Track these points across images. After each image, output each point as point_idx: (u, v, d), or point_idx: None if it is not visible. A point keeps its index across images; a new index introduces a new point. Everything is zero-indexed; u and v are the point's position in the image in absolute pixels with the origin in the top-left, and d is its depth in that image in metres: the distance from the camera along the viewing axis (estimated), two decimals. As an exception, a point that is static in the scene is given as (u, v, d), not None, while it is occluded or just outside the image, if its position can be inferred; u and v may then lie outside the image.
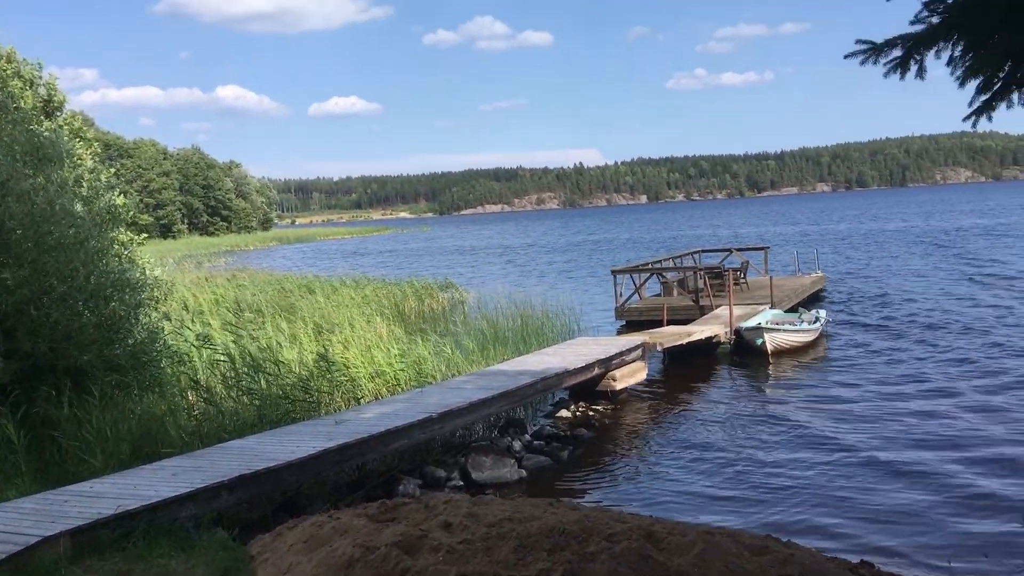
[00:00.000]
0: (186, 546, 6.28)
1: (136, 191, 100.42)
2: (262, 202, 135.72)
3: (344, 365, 12.34)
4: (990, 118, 4.36)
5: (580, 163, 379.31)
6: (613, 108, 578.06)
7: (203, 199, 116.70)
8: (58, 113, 16.57)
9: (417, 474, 9.63)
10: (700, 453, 10.37)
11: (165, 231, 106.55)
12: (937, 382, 13.21)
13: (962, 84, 4.22)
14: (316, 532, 5.67)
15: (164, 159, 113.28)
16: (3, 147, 10.29)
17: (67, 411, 9.43)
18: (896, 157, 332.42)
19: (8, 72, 14.42)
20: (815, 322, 17.76)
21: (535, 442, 10.98)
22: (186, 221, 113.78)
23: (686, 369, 15.52)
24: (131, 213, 12.74)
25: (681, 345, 15.68)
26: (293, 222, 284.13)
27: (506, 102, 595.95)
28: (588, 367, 12.64)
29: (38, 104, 15.24)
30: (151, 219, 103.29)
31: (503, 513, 5.78)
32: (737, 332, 16.77)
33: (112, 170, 14.67)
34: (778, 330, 16.45)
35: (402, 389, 12.14)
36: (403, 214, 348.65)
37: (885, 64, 4.28)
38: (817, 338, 17.32)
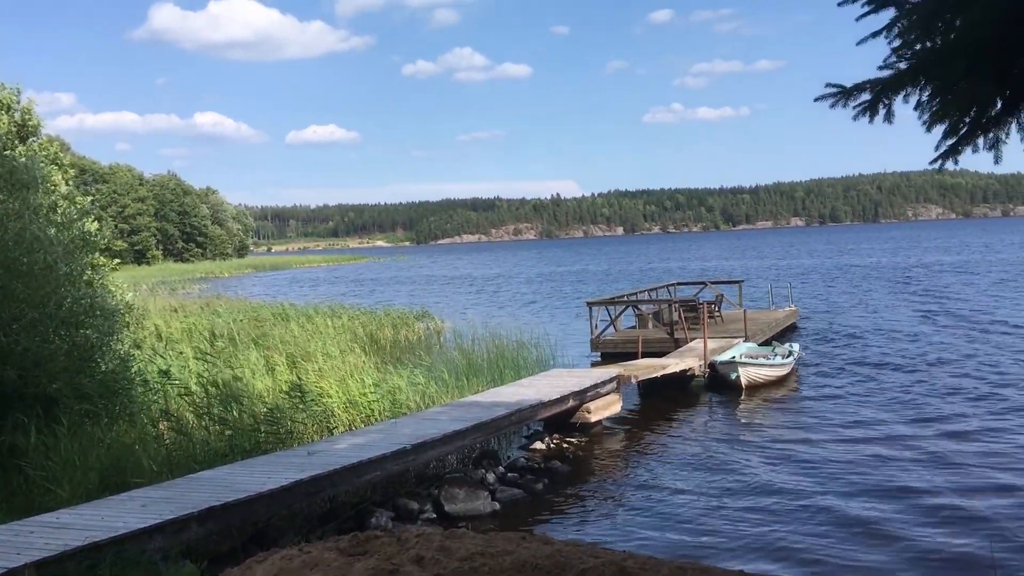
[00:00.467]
0: (154, 579, 6.19)
1: (111, 216, 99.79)
2: (238, 229, 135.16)
3: (318, 395, 12.26)
4: (956, 162, 4.46)
5: (557, 194, 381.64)
6: (591, 140, 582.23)
7: (178, 225, 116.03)
8: (33, 138, 16.48)
9: (390, 506, 9.55)
10: (673, 487, 10.37)
11: (139, 257, 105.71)
12: (904, 423, 13.26)
13: (929, 128, 4.31)
14: (286, 566, 5.60)
15: (140, 185, 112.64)
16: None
17: (35, 440, 9.28)
18: (869, 193, 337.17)
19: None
20: (788, 356, 17.90)
21: (509, 474, 10.94)
22: (161, 247, 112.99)
23: (661, 402, 15.55)
24: (105, 240, 12.65)
25: (656, 378, 15.73)
26: (269, 249, 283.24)
27: (484, 132, 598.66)
28: (563, 399, 12.64)
29: (12, 128, 15.15)
30: (125, 245, 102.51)
31: (475, 547, 5.74)
32: (711, 366, 16.86)
33: (89, 198, 14.58)
34: (752, 364, 16.55)
35: (376, 420, 12.08)
36: (380, 243, 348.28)
37: (854, 107, 4.37)
38: (790, 372, 17.44)
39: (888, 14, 4.26)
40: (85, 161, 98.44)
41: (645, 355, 18.16)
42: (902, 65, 4.22)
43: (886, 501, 9.38)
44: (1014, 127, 4.24)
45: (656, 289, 26.78)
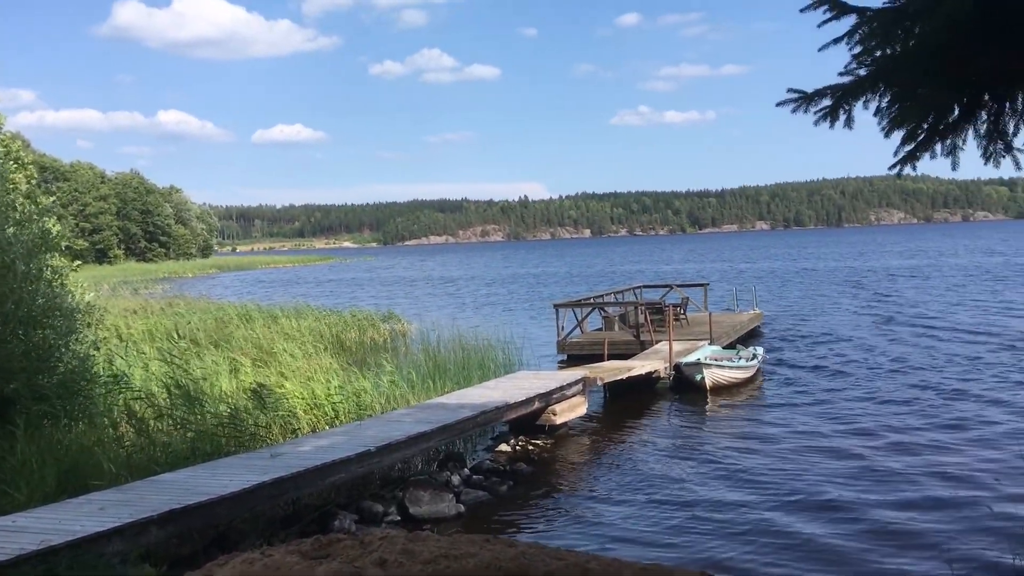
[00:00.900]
0: (111, 583, 6.10)
1: (72, 215, 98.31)
2: (202, 229, 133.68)
3: (282, 397, 12.16)
4: (914, 167, 4.53)
5: (525, 196, 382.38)
6: (558, 143, 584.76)
7: (141, 224, 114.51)
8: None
9: (354, 509, 9.49)
10: (638, 489, 10.42)
11: (101, 256, 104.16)
12: (864, 421, 13.46)
13: (888, 134, 4.38)
14: (247, 569, 5.54)
15: (101, 183, 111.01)
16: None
17: (-10, 442, 9.11)
18: (832, 198, 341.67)
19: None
20: (753, 359, 18.06)
21: (474, 476, 10.92)
22: (123, 246, 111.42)
23: (626, 404, 15.62)
24: (65, 239, 12.45)
25: (621, 380, 15.79)
26: (234, 249, 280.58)
27: (452, 134, 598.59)
28: (528, 401, 12.64)
29: (-29, 125, 14.84)
30: (86, 244, 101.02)
31: (439, 550, 5.71)
32: (677, 368, 16.96)
33: (51, 198, 14.33)
34: (717, 366, 16.68)
35: (341, 422, 12.00)
36: (347, 243, 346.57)
37: (815, 113, 4.42)
38: (754, 375, 17.60)
39: (849, 21, 4.32)
40: (46, 159, 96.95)
41: (611, 357, 18.22)
42: (862, 71, 4.28)
43: (844, 499, 9.49)
44: (971, 134, 4.32)
45: (622, 292, 26.89)
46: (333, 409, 12.30)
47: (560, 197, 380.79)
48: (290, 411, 11.94)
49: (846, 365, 18.92)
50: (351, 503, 9.63)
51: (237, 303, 31.67)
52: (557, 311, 21.62)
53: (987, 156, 4.38)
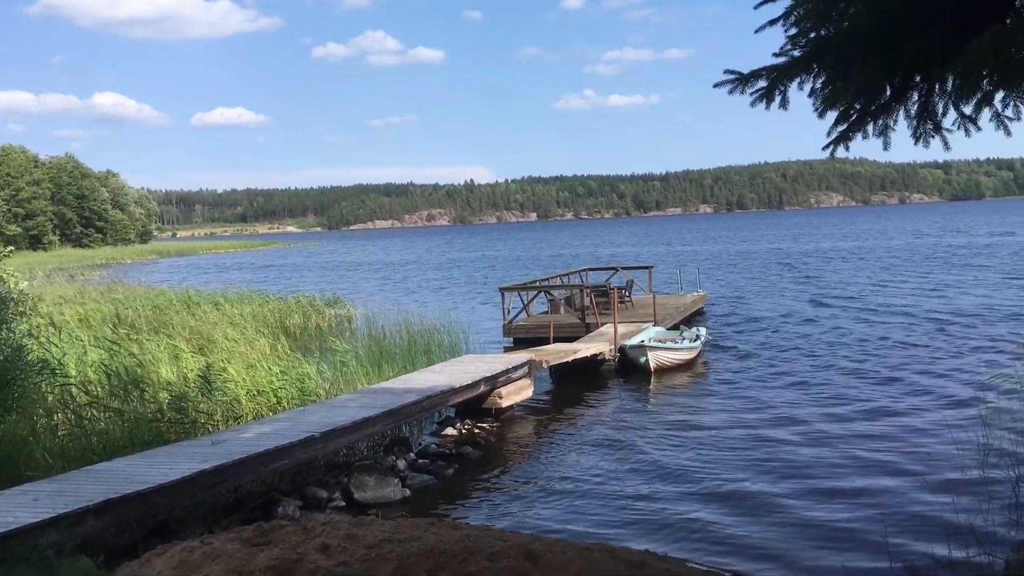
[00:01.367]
0: (47, 575, 5.95)
1: (3, 200, 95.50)
2: (141, 214, 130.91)
3: (224, 383, 11.97)
4: (847, 147, 4.60)
5: (471, 180, 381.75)
6: (504, 126, 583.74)
7: (77, 210, 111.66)
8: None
9: (298, 495, 9.41)
10: (582, 470, 10.50)
11: (35, 242, 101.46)
12: (801, 404, 13.64)
13: (821, 115, 4.45)
14: (186, 558, 5.46)
15: (35, 167, 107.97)
16: None
17: (-83, 434, 8.82)
18: (774, 181, 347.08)
19: None
20: (696, 340, 18.29)
21: (420, 460, 10.90)
22: (58, 232, 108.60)
23: (572, 386, 15.71)
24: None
25: (567, 362, 15.87)
26: (174, 235, 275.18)
27: (397, 117, 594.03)
28: (474, 384, 12.64)
29: None
30: (19, 230, 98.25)
31: (383, 534, 5.70)
32: (622, 350, 17.10)
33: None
34: (661, 348, 16.86)
35: (285, 408, 11.86)
36: (291, 228, 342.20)
37: (751, 94, 4.47)
38: (697, 355, 17.83)
39: (785, 3, 4.36)
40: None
41: (557, 340, 18.30)
42: (796, 53, 4.33)
43: (785, 481, 9.67)
44: (902, 115, 4.40)
45: (568, 275, 27.01)
46: (276, 395, 12.15)
47: (506, 181, 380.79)
48: (233, 398, 11.76)
49: (785, 343, 19.30)
50: (295, 489, 9.55)
51: (179, 289, 31.10)
52: (503, 294, 21.63)
53: (917, 137, 4.48)
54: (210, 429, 10.75)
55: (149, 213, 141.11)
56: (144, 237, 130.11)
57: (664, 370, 16.57)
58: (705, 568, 7.24)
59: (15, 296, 14.58)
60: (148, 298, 25.93)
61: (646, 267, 28.17)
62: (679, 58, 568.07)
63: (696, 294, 26.21)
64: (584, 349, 16.56)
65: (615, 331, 17.65)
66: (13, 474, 8.52)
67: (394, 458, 10.70)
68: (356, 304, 28.21)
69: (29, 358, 11.87)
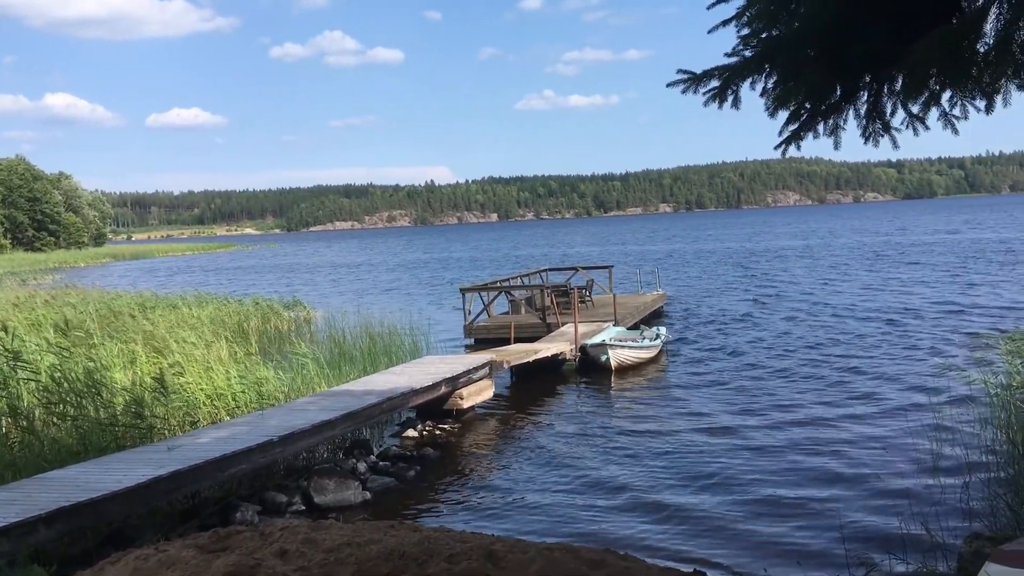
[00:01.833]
0: (-4, 587, 5.82)
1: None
2: (95, 216, 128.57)
3: (180, 388, 11.80)
4: (798, 147, 4.66)
5: (431, 181, 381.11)
6: (464, 127, 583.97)
7: (28, 212, 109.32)
8: None
9: (257, 500, 9.30)
10: (544, 470, 10.51)
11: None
12: (760, 400, 13.82)
13: (772, 114, 4.50)
14: (141, 566, 5.36)
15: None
16: None
17: None
18: (732, 180, 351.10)
19: None
20: (656, 339, 18.41)
21: (381, 463, 10.83)
22: (9, 236, 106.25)
23: (533, 386, 15.73)
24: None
25: (528, 363, 15.89)
26: (129, 237, 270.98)
27: (356, 118, 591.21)
28: (435, 386, 12.60)
29: None
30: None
31: (342, 538, 5.65)
32: (582, 349, 17.16)
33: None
34: (621, 347, 16.94)
35: (242, 412, 11.72)
36: (249, 230, 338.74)
37: (704, 93, 4.50)
38: (657, 354, 17.95)
39: (738, 3, 4.40)
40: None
41: (518, 340, 18.32)
42: (748, 53, 4.37)
43: (739, 487, 9.68)
44: (852, 114, 4.46)
45: (529, 275, 27.05)
46: (234, 399, 12.01)
47: (467, 181, 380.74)
48: (189, 402, 11.59)
49: (739, 347, 19.44)
50: (254, 494, 9.44)
51: (134, 292, 30.61)
52: (464, 295, 21.60)
53: (867, 136, 4.54)
54: (166, 434, 10.59)
55: (103, 216, 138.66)
56: (98, 240, 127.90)
57: (625, 369, 16.66)
58: (664, 565, 7.27)
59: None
60: (103, 302, 25.48)
61: (606, 267, 28.30)
62: (638, 58, 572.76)
63: (656, 293, 26.40)
64: (545, 349, 16.59)
65: (576, 331, 17.71)
66: (-38, 484, 8.32)
67: (354, 461, 10.63)
68: (316, 306, 27.99)
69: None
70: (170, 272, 68.18)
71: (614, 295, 23.63)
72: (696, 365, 17.17)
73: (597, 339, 17.33)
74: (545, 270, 28.38)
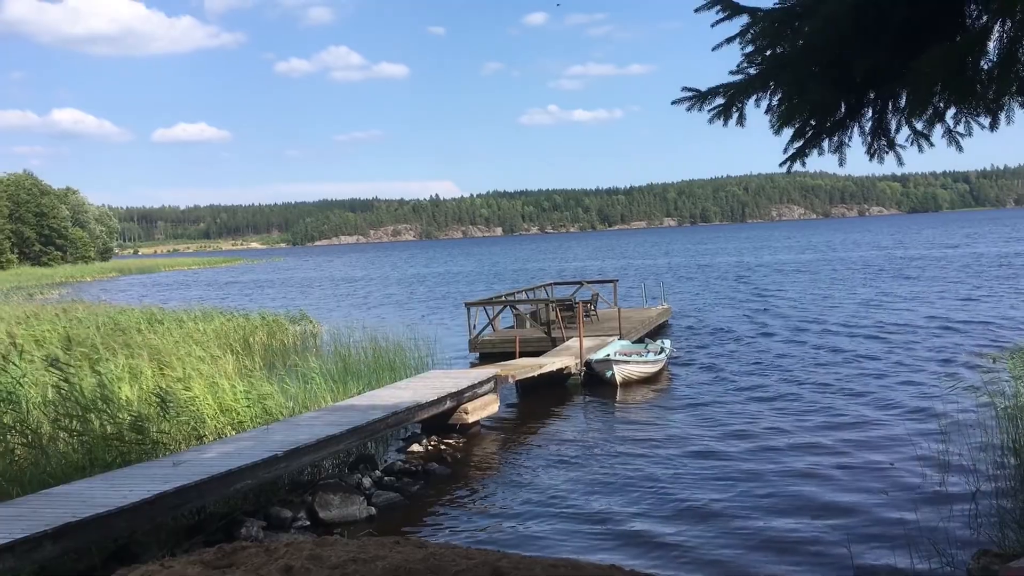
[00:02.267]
0: (1, 603, 5.82)
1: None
2: (101, 231, 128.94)
3: (186, 403, 11.81)
4: (803, 163, 4.66)
5: (436, 195, 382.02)
6: (468, 141, 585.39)
7: (35, 227, 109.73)
8: None
9: (262, 515, 9.28)
10: (548, 486, 10.48)
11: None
12: (765, 417, 13.70)
13: (777, 132, 4.51)
14: (146, 582, 5.36)
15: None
16: None
17: None
18: (736, 194, 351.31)
19: None
20: (660, 353, 18.39)
21: (386, 478, 10.82)
22: (16, 250, 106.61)
23: (538, 401, 15.70)
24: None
25: (533, 377, 15.87)
26: (136, 252, 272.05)
27: (361, 133, 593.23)
28: (440, 400, 12.59)
29: None
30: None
31: (347, 554, 5.64)
32: (587, 364, 17.14)
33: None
34: (626, 362, 16.91)
35: (248, 427, 11.72)
36: (255, 244, 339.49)
37: (709, 111, 4.52)
38: (662, 369, 17.91)
39: (741, 21, 4.42)
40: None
41: (523, 355, 18.30)
42: (752, 70, 4.38)
43: (746, 496, 9.69)
44: (856, 131, 4.47)
45: (534, 289, 27.06)
46: (239, 414, 12.01)
47: (471, 196, 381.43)
48: (195, 417, 11.60)
49: (746, 360, 19.41)
50: (259, 509, 9.42)
51: (140, 307, 30.67)
52: (468, 309, 21.60)
53: (871, 153, 4.56)
54: (172, 449, 10.59)
55: (110, 230, 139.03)
56: (105, 255, 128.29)
57: (630, 383, 16.63)
58: (671, 581, 7.26)
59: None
60: (109, 316, 25.54)
61: (611, 281, 28.30)
62: (642, 73, 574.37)
63: (661, 307, 26.37)
64: (550, 363, 16.57)
65: (581, 345, 17.69)
66: (-32, 499, 8.32)
67: (359, 476, 10.62)
68: (322, 320, 28.01)
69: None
70: (176, 286, 68.32)
71: (619, 309, 23.60)
72: (702, 379, 17.14)
73: (602, 354, 17.32)
74: (550, 284, 28.39)
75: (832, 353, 19.53)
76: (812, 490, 9.77)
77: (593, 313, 23.53)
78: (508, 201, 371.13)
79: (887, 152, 4.55)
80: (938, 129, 4.50)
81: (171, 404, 11.43)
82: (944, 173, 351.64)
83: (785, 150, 4.57)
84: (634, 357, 17.58)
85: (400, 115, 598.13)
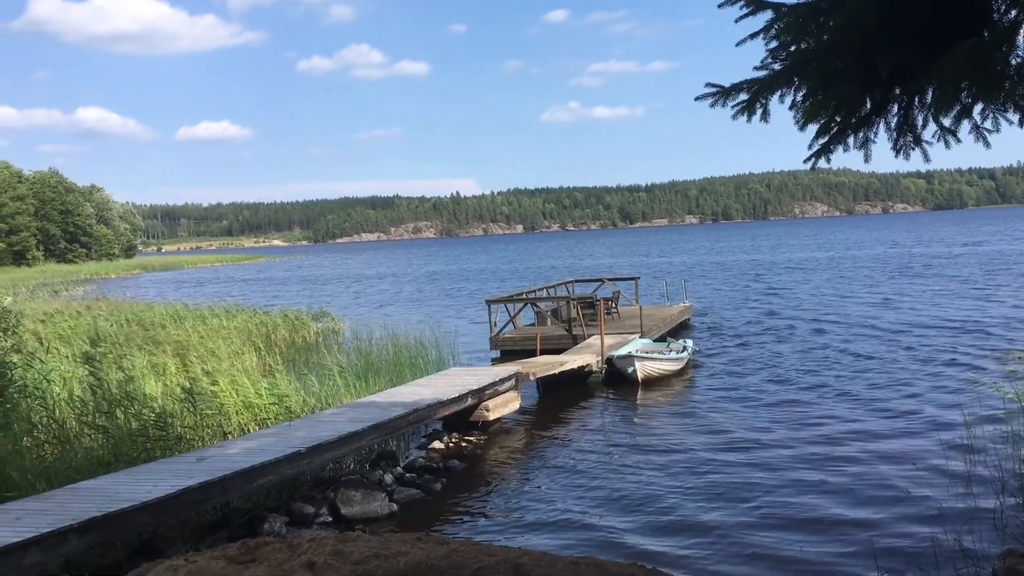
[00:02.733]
0: (29, 596, 5.89)
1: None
2: (125, 228, 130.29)
3: (210, 399, 11.90)
4: (828, 160, 4.63)
5: (457, 192, 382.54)
6: (489, 139, 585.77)
7: (61, 225, 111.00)
8: None
9: (284, 511, 9.34)
10: (571, 483, 10.47)
11: (18, 258, 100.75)
12: (788, 423, 13.34)
13: (802, 128, 4.47)
14: (171, 576, 5.40)
15: (19, 182, 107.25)
16: None
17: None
18: (759, 191, 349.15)
19: None
20: (683, 351, 18.32)
21: (407, 475, 10.85)
22: (42, 248, 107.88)
23: (559, 398, 15.69)
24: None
25: (554, 375, 15.85)
26: (159, 249, 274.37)
27: (382, 131, 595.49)
28: (461, 398, 12.62)
29: None
30: (3, 245, 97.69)
31: (370, 550, 5.66)
32: (609, 361, 17.10)
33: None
34: (648, 359, 16.86)
35: (271, 423, 11.80)
36: (276, 242, 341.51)
37: (733, 107, 4.49)
38: (684, 366, 17.85)
39: (765, 16, 4.39)
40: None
41: (544, 352, 18.29)
42: (776, 66, 4.35)
43: (768, 506, 9.55)
44: (882, 127, 4.43)
45: (555, 286, 27.03)
46: (262, 410, 12.09)
47: (492, 193, 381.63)
48: (220, 412, 11.69)
49: (769, 356, 19.31)
50: (281, 505, 9.48)
51: (163, 303, 30.95)
52: (489, 307, 21.62)
53: (897, 149, 4.51)
54: (196, 445, 10.68)
55: (134, 228, 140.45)
56: (129, 252, 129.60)
57: (651, 381, 16.58)
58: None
59: (-2, 313, 14.47)
60: (133, 312, 25.79)
61: (632, 278, 28.22)
62: (663, 70, 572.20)
63: (682, 305, 26.27)
64: (571, 361, 16.55)
65: (602, 342, 17.66)
66: (-4, 493, 8.43)
67: (381, 472, 10.66)
68: (343, 317, 28.14)
69: (13, 374, 11.77)
70: (199, 283, 68.86)
71: (640, 307, 23.54)
72: (723, 378, 17.05)
73: (624, 351, 17.27)
74: (571, 281, 28.35)
75: (856, 350, 19.37)
76: (834, 490, 9.68)
77: (614, 311, 23.48)
78: (529, 199, 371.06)
79: (913, 148, 4.51)
80: (965, 125, 4.45)
81: (199, 397, 11.53)
82: (970, 170, 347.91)
83: (810, 146, 4.54)
84: (656, 355, 17.52)
85: (421, 113, 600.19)
